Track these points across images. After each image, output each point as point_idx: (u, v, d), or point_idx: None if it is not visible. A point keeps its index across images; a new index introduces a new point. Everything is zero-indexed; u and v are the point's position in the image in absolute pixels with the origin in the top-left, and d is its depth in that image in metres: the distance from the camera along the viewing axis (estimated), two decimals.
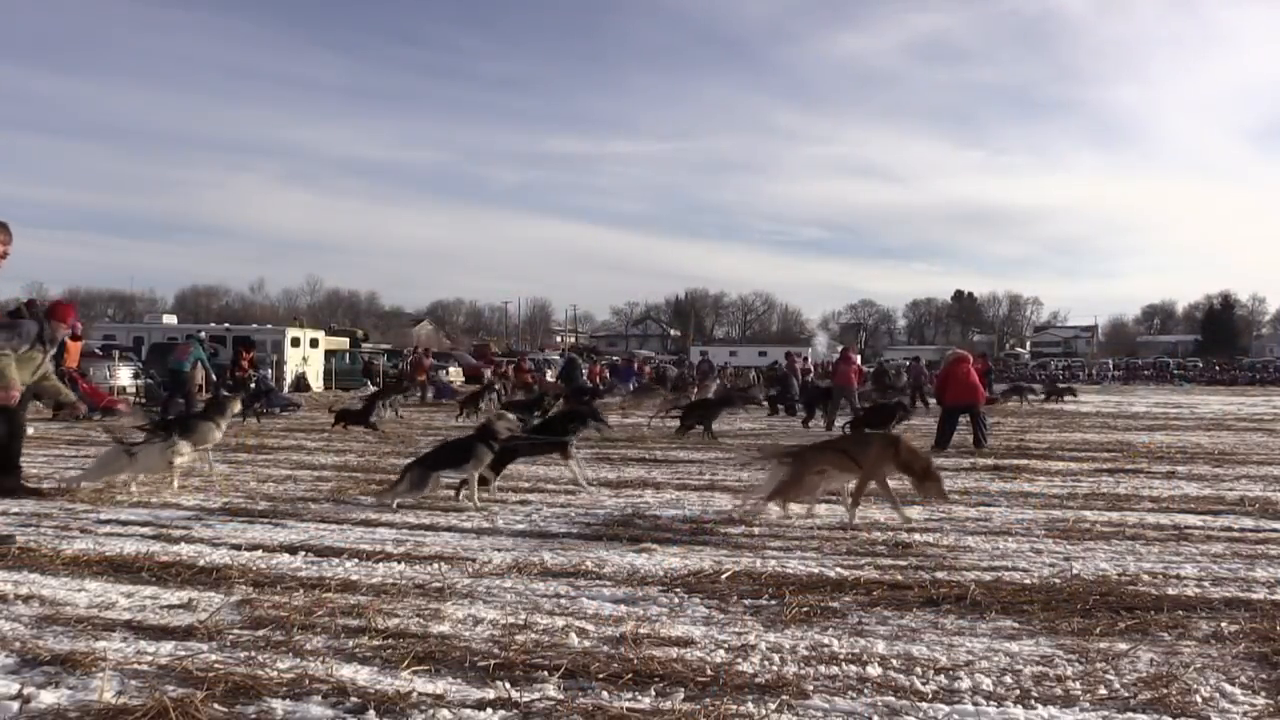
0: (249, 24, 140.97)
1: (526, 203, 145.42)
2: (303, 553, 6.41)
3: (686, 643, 4.44)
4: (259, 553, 6.41)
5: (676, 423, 17.01)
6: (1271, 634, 4.57)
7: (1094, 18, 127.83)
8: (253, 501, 8.63)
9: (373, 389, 30.11)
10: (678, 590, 5.44)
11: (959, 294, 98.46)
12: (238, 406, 10.49)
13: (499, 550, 6.51)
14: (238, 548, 6.56)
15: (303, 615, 4.80)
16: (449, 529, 7.37)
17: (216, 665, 4.05)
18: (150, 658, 4.16)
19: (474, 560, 6.20)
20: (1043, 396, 30.22)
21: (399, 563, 6.14)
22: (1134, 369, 59.48)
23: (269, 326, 40.67)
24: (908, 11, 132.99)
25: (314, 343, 38.67)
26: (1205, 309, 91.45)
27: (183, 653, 4.23)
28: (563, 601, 5.19)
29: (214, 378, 21.79)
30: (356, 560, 6.20)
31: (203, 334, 25.36)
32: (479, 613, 4.94)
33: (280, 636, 4.47)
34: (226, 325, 42.06)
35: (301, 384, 34.57)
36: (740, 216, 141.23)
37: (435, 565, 6.07)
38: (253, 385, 21.45)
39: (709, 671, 4.02)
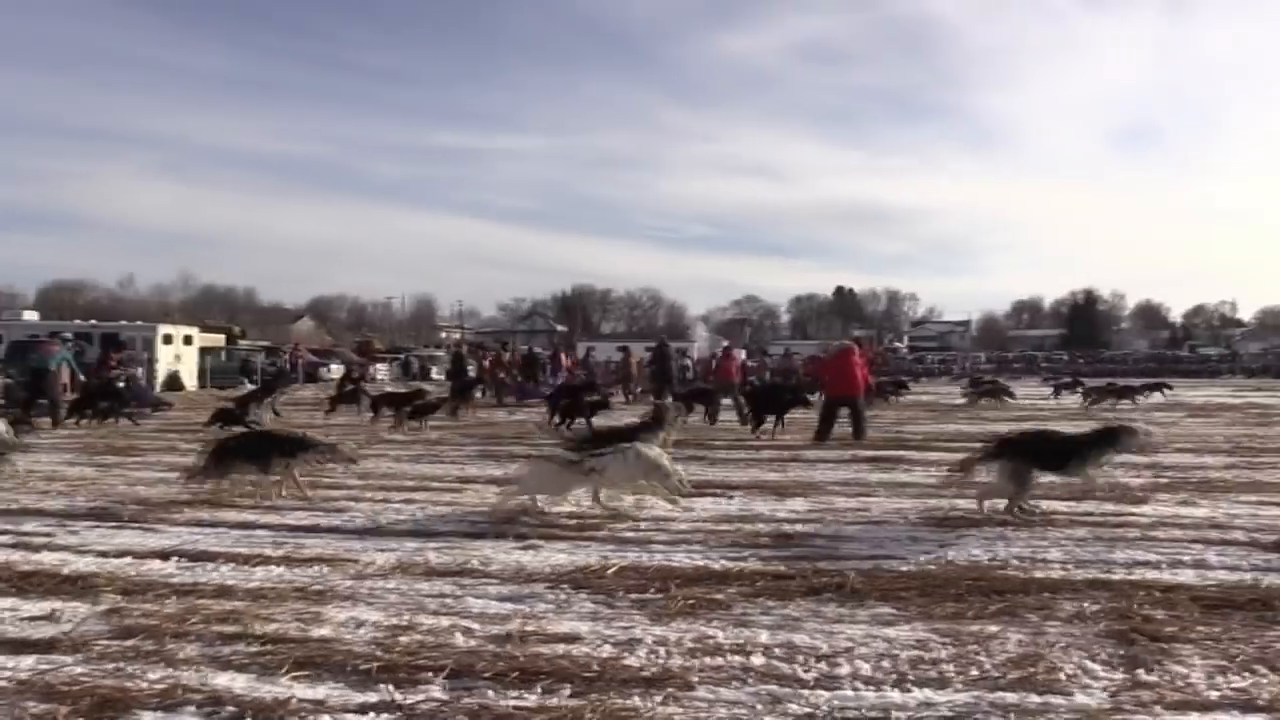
0: (118, 7, 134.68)
1: (411, 197, 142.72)
2: (175, 558, 6.18)
3: (573, 639, 4.45)
4: (128, 559, 6.16)
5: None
6: (1129, 612, 4.82)
7: (968, 25, 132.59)
8: (122, 506, 8.28)
9: (250, 387, 29.17)
10: (564, 586, 5.44)
11: (839, 290, 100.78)
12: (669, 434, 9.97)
13: (382, 550, 6.40)
14: (105, 555, 6.30)
15: (175, 623, 4.64)
16: (331, 530, 7.21)
17: (82, 678, 3.88)
18: (10, 673, 3.96)
19: (356, 561, 6.08)
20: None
21: (278, 566, 5.98)
22: (1004, 362, 61.82)
23: (139, 323, 39.01)
24: (789, 13, 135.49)
25: (188, 340, 37.31)
26: (1070, 305, 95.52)
27: (45, 666, 4.05)
28: (448, 601, 5.13)
29: (81, 378, 20.83)
30: (233, 564, 6.01)
31: (67, 334, 24.14)
32: (361, 615, 4.85)
33: (151, 646, 4.31)
34: (93, 322, 40.21)
35: (175, 383, 33.32)
36: (627, 213, 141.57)
37: (316, 567, 5.93)
38: (120, 385, 20.56)
39: (595, 667, 4.04)
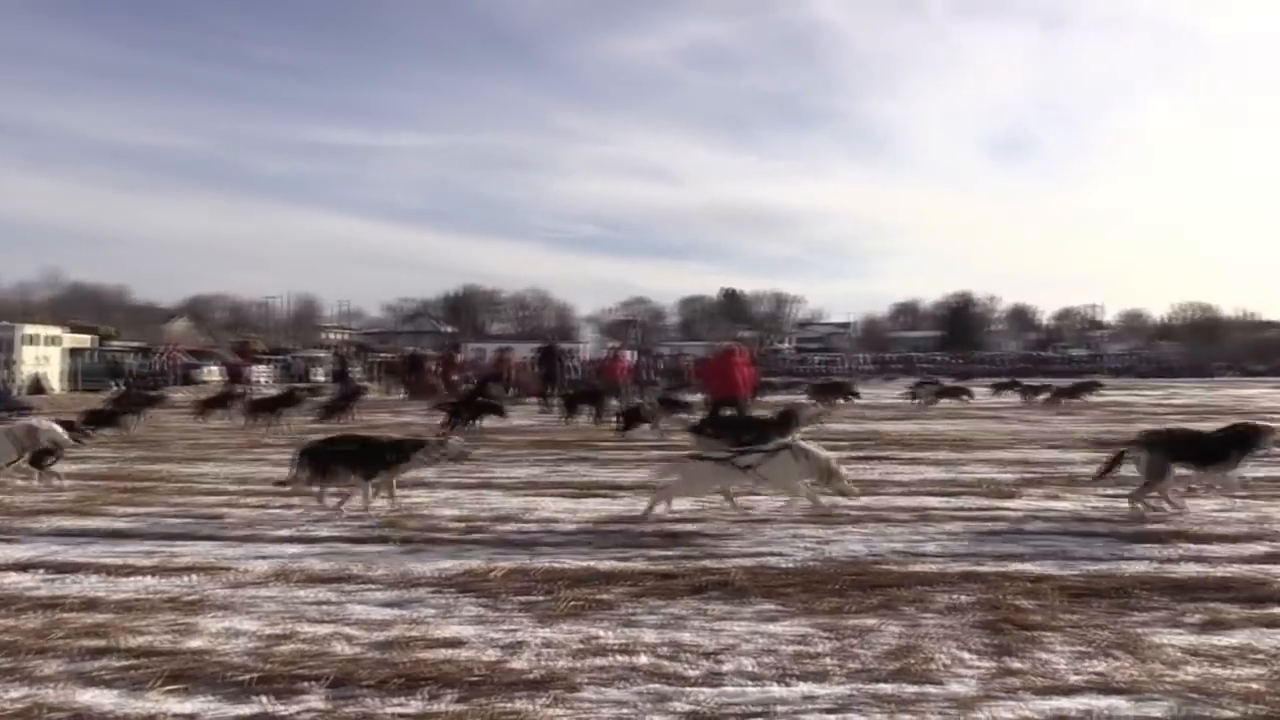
0: None
1: (295, 194, 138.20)
2: (37, 570, 5.89)
3: (457, 643, 4.41)
4: None
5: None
6: (998, 603, 5.02)
7: (854, 32, 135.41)
8: None
9: (119, 389, 28.00)
10: (449, 591, 5.38)
11: (728, 292, 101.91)
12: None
13: (261, 558, 6.23)
14: None
15: (36, 639, 4.43)
16: (206, 537, 6.98)
17: None
18: None
19: (233, 569, 5.90)
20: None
21: (149, 576, 5.76)
22: (884, 363, 63.61)
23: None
24: (682, 17, 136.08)
25: (53, 340, 35.64)
26: (948, 307, 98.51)
27: None
28: (328, 608, 5.03)
29: None
30: (100, 575, 5.76)
31: None
32: (238, 625, 4.71)
33: (9, 663, 4.11)
34: None
35: (39, 386, 31.78)
36: (519, 213, 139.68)
37: (190, 577, 5.73)
38: None
39: (480, 671, 4.01)
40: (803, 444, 7.79)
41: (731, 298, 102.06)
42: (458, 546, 6.58)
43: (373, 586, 5.50)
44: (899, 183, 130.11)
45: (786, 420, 10.52)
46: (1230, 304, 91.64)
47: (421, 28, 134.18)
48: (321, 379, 41.18)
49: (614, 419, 16.44)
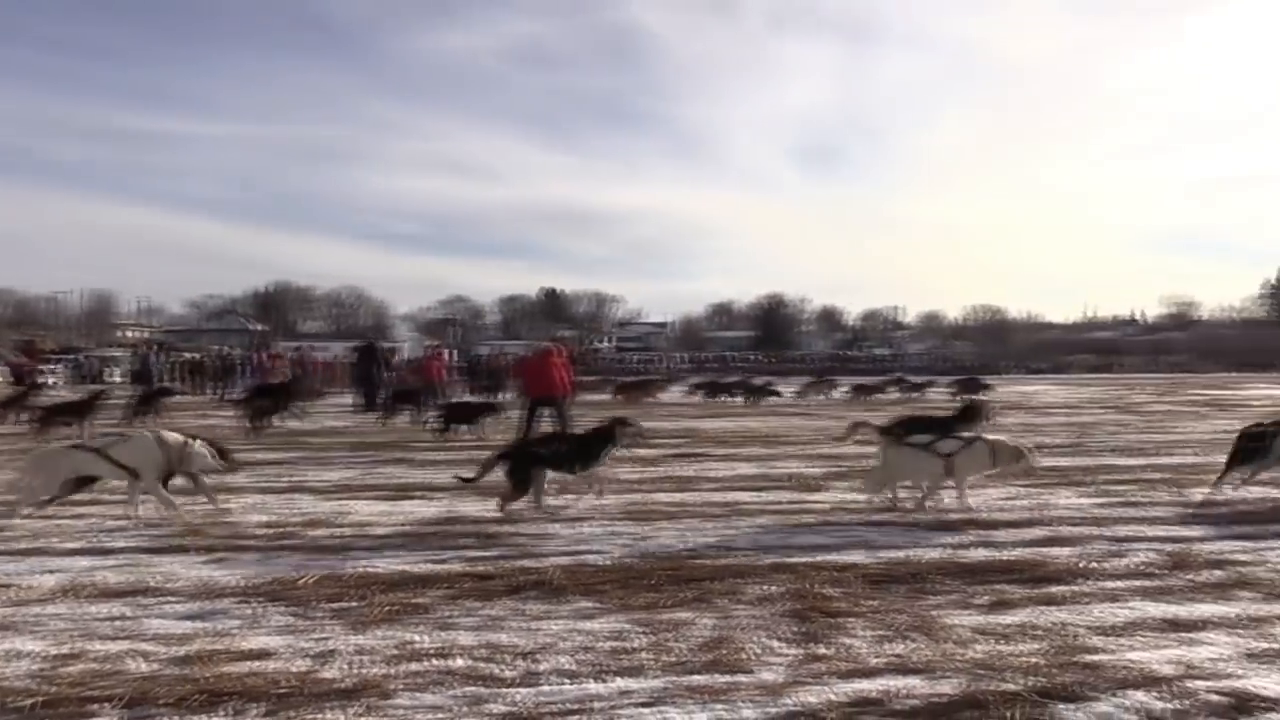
0: None
1: (88, 182, 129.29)
2: None
3: (264, 655, 4.26)
4: None
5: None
6: (806, 592, 5.25)
7: (674, 38, 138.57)
8: None
9: None
10: (256, 600, 5.18)
11: (548, 291, 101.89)
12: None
13: (47, 572, 5.82)
14: None
15: None
16: None
17: None
18: None
19: (14, 586, 5.49)
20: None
21: None
22: (701, 362, 65.20)
23: None
24: (505, 14, 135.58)
25: None
26: (761, 308, 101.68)
27: None
28: (123, 624, 4.75)
29: None
30: None
31: None
32: (21, 646, 4.40)
33: None
34: None
35: None
36: (333, 208, 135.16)
37: None
38: None
39: (289, 682, 3.89)
40: (992, 437, 8.31)
41: (551, 297, 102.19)
42: (265, 554, 6.34)
43: (172, 599, 5.23)
44: (716, 186, 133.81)
45: (970, 415, 10.67)
46: (1016, 306, 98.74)
47: (231, 11, 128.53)
48: (119, 379, 38.76)
49: (433, 419, 16.19)
